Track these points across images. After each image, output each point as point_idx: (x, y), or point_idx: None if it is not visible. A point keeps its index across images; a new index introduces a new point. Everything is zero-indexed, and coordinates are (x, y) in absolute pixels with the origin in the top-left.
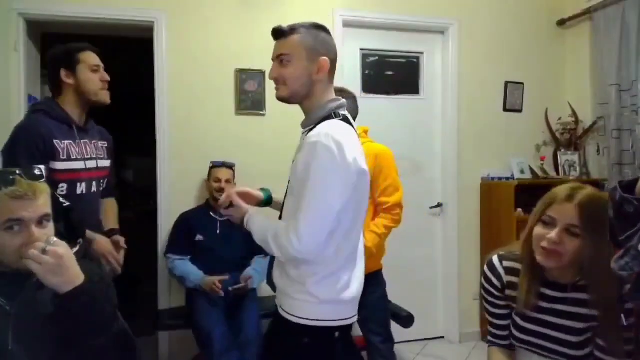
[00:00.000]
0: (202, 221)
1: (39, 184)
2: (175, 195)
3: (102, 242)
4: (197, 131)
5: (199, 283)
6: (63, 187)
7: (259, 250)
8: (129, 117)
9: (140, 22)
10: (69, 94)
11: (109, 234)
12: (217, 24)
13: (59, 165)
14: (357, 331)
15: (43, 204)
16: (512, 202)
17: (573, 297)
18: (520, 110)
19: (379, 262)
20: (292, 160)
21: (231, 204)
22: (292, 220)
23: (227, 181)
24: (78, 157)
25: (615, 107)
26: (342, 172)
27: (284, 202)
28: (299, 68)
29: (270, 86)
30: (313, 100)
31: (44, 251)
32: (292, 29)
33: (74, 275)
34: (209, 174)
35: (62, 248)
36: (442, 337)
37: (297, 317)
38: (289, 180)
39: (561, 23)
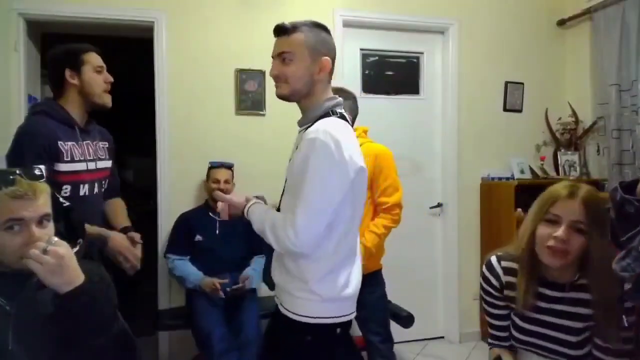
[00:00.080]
0: (201, 221)
1: (39, 184)
2: (175, 195)
3: (117, 239)
4: (197, 131)
5: (198, 283)
6: (66, 189)
7: (259, 251)
8: (129, 117)
9: (140, 22)
10: (71, 94)
11: (123, 231)
12: (217, 24)
13: (62, 167)
14: (356, 331)
15: (43, 203)
16: (512, 202)
17: (571, 297)
18: (520, 110)
19: (378, 262)
20: (289, 159)
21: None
22: (290, 213)
23: (226, 181)
24: (81, 159)
25: (615, 107)
26: (339, 168)
27: (280, 201)
28: (301, 67)
29: (270, 86)
30: (312, 99)
31: (44, 251)
32: (295, 27)
33: (75, 275)
34: (208, 175)
35: (63, 248)
36: (442, 337)
37: (299, 315)
38: (286, 180)
39: (561, 23)
